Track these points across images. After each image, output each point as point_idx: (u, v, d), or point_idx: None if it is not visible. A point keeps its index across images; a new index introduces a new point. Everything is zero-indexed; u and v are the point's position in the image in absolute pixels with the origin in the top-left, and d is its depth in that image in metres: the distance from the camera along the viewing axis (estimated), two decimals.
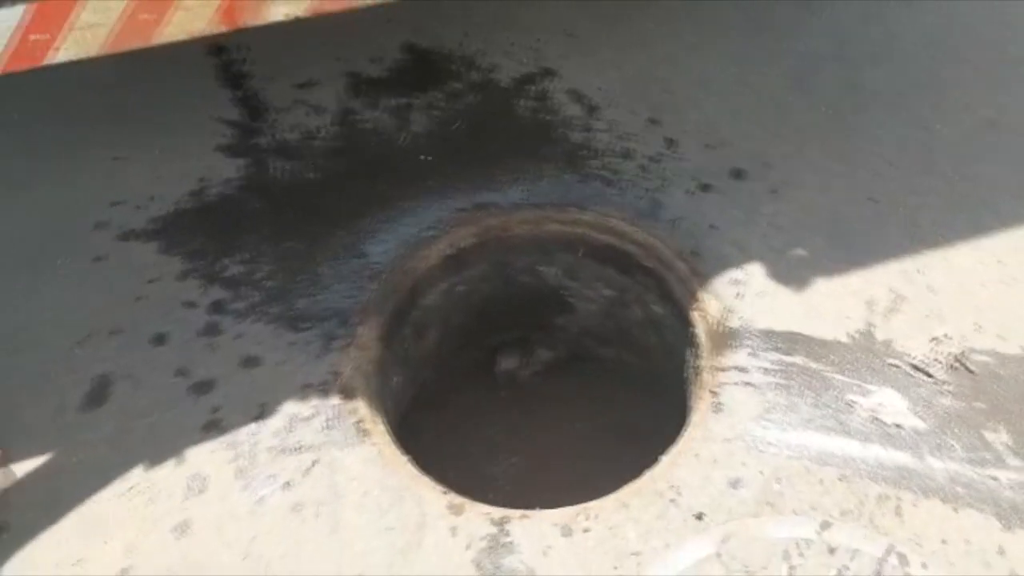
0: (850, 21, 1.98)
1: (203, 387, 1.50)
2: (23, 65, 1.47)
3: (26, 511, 1.38)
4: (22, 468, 1.42)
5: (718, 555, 1.25)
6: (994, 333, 1.46)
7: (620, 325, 1.86)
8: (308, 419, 1.46)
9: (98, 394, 1.50)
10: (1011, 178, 1.67)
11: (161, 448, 1.43)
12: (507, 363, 2.21)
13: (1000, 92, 1.82)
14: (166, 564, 1.31)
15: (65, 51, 1.48)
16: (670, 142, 1.78)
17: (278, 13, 1.54)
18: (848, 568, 1.22)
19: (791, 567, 1.22)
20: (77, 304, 1.62)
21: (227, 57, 2.06)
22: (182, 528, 1.34)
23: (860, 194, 1.66)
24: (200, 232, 1.72)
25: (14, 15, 1.40)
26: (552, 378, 2.17)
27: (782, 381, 1.44)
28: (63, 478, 1.41)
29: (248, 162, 1.84)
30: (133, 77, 1.99)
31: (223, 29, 1.50)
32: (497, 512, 1.36)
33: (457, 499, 1.39)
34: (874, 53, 1.91)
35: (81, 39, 1.51)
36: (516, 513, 1.36)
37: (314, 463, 1.41)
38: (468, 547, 1.31)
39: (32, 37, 1.46)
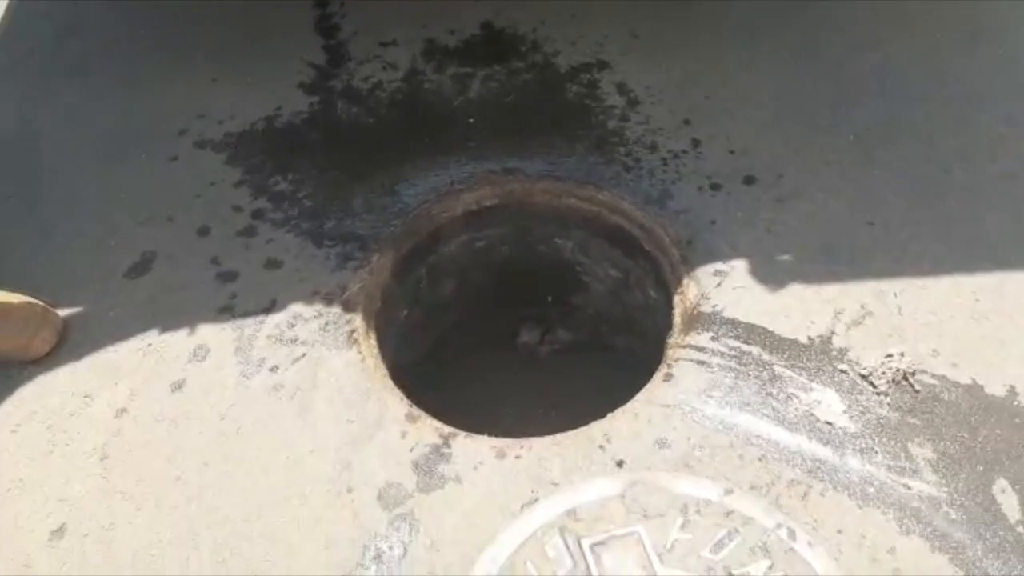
0: (899, 61, 2.04)
1: (228, 276, 1.72)
2: None
3: (58, 347, 1.62)
4: (65, 313, 1.67)
5: (622, 496, 1.36)
6: (949, 361, 1.51)
7: (626, 311, 1.98)
8: (308, 320, 1.65)
9: (142, 267, 1.74)
10: (1012, 227, 1.69)
11: (180, 319, 1.65)
12: (528, 336, 2.36)
13: None
14: (158, 411, 1.53)
15: None
16: (696, 142, 1.89)
17: None
18: (738, 532, 1.31)
19: (685, 520, 1.32)
20: (145, 192, 1.87)
21: (327, 10, 2.29)
22: (178, 385, 1.56)
23: (860, 216, 1.73)
24: (263, 151, 1.95)
25: None
26: (570, 358, 2.31)
27: (734, 365, 1.53)
28: (95, 327, 1.65)
29: (319, 100, 2.06)
30: (245, 16, 2.26)
31: None
32: (447, 429, 1.51)
33: (416, 411, 1.54)
34: (915, 95, 1.96)
35: None
36: (462, 433, 1.50)
37: (303, 355, 1.60)
38: (411, 450, 1.46)
39: None
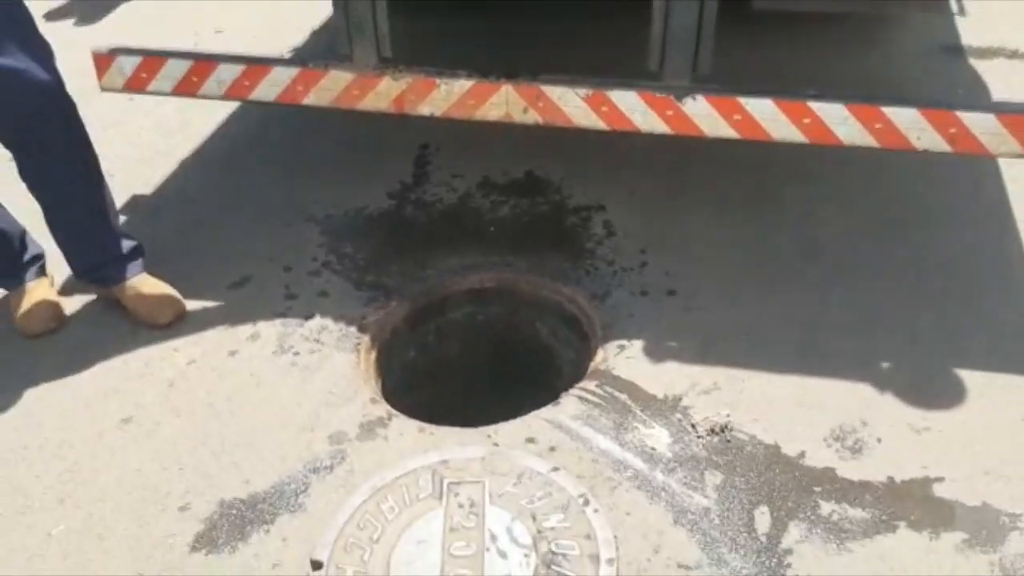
0: (834, 235, 2.58)
1: (291, 296, 2.48)
2: (287, 101, 2.63)
3: (175, 321, 2.41)
4: (189, 304, 2.47)
5: (483, 459, 1.92)
6: (763, 427, 1.98)
7: (562, 367, 2.53)
8: (331, 331, 2.36)
9: (240, 283, 2.54)
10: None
11: (251, 316, 2.41)
12: None
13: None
14: (215, 365, 2.26)
15: (311, 98, 2.61)
16: (643, 264, 2.51)
17: (424, 109, 2.55)
18: (550, 495, 1.83)
19: (518, 481, 1.86)
20: (262, 240, 2.70)
21: (426, 150, 3.14)
22: (233, 352, 2.30)
23: (742, 328, 2.26)
24: (346, 228, 2.76)
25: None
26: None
27: (603, 403, 2.08)
28: (199, 314, 2.44)
29: (396, 204, 2.87)
30: (374, 143, 3.14)
31: (393, 110, 2.55)
32: (393, 411, 2.13)
33: (378, 399, 2.18)
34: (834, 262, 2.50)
35: (320, 95, 2.62)
36: (403, 416, 2.12)
37: (319, 350, 2.30)
38: (363, 416, 2.10)
39: (298, 87, 2.62)
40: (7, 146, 2.26)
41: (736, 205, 2.75)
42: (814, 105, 2.25)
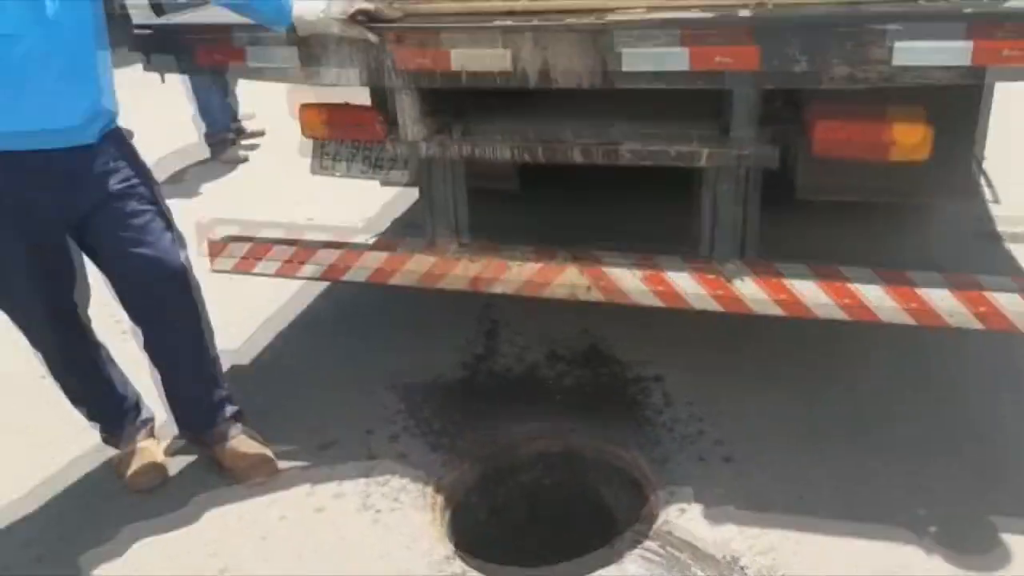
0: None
1: (373, 457, 2.70)
2: (376, 281, 2.94)
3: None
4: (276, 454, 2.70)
5: None
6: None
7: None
8: (407, 488, 2.55)
9: (330, 443, 2.77)
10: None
11: (343, 472, 2.62)
12: None
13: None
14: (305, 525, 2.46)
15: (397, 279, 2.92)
16: (700, 432, 2.68)
17: (497, 288, 2.84)
18: None
19: None
20: (350, 404, 2.95)
21: (497, 326, 3.41)
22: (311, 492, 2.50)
23: (793, 495, 2.39)
24: (422, 395, 3.00)
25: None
26: None
27: (663, 562, 2.21)
28: (293, 471, 2.67)
29: (469, 374, 3.12)
30: (443, 306, 3.41)
31: (470, 289, 2.85)
32: (468, 569, 2.29)
33: (460, 564, 2.33)
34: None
35: (405, 276, 2.92)
36: (476, 572, 2.27)
37: (395, 503, 2.49)
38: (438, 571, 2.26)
39: (386, 270, 2.94)
40: (134, 320, 2.58)
41: (788, 375, 2.92)
42: (854, 287, 2.48)
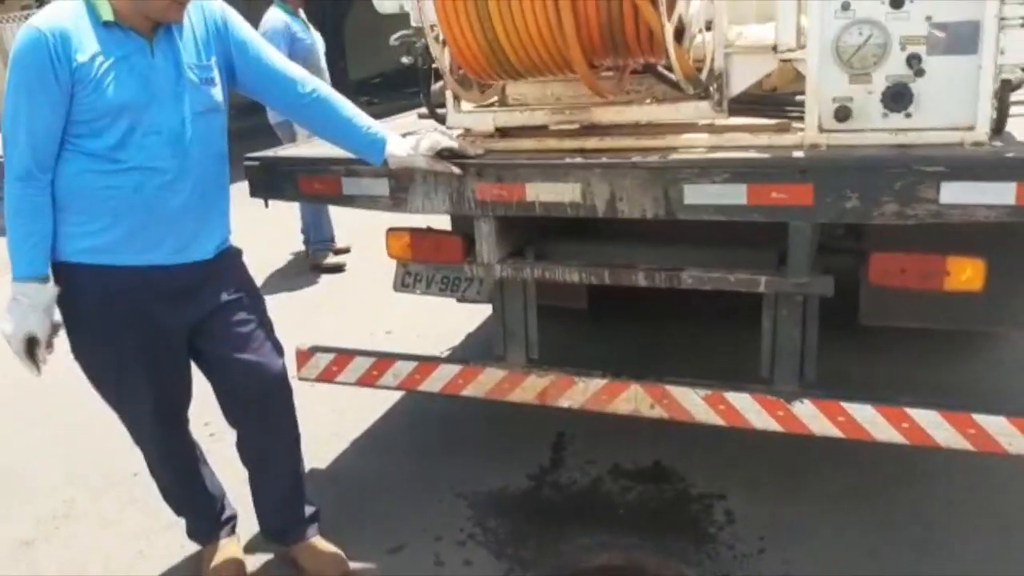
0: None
1: (440, 563, 2.80)
2: (449, 392, 3.11)
3: None
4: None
5: None
6: None
7: None
8: None
9: (396, 548, 2.89)
10: None
11: None
12: None
13: None
14: None
15: (468, 390, 3.09)
16: (761, 551, 2.72)
17: (564, 402, 2.98)
18: None
19: None
20: (412, 509, 3.08)
21: (563, 439, 3.53)
22: None
23: None
24: (489, 504, 3.11)
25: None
26: None
27: None
28: None
29: (535, 485, 3.23)
30: (512, 419, 3.56)
31: (537, 403, 3.00)
32: None
33: None
34: None
35: (476, 388, 3.09)
36: None
37: None
38: None
39: (459, 381, 3.11)
40: (232, 424, 2.77)
41: (851, 497, 2.96)
42: (910, 411, 2.55)
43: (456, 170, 2.65)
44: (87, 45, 2.23)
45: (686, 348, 3.58)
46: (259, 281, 5.55)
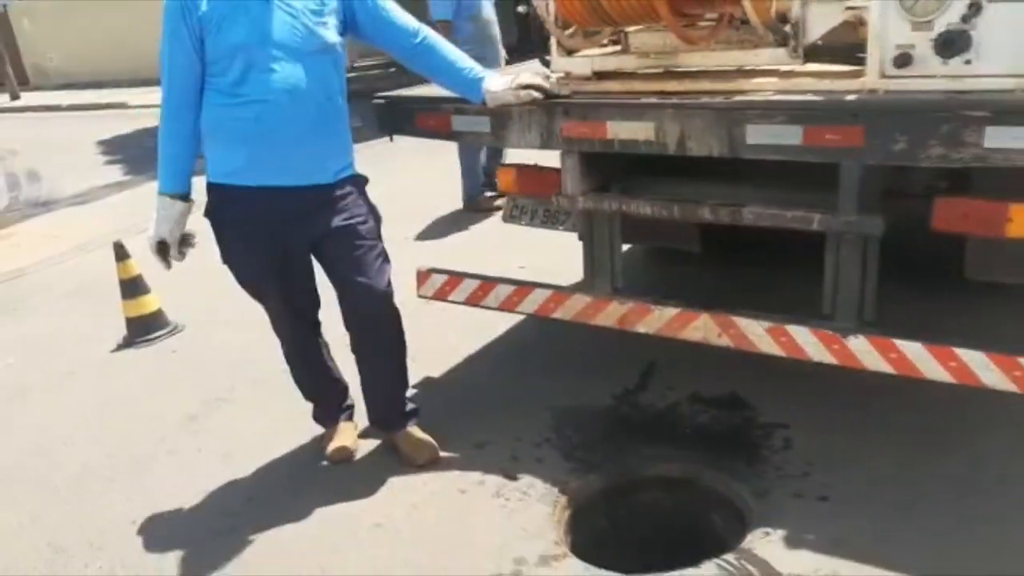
0: None
1: (515, 458, 3.18)
2: (542, 314, 3.45)
3: None
4: None
5: None
6: None
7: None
8: (536, 486, 3.00)
9: (481, 443, 3.30)
10: None
11: (481, 465, 3.14)
12: None
13: None
14: None
15: (559, 313, 3.42)
16: (805, 474, 2.90)
17: (641, 328, 3.24)
18: None
19: None
20: (503, 415, 3.46)
21: (653, 365, 3.80)
22: None
23: (874, 540, 2.56)
24: (570, 416, 3.45)
25: None
26: None
27: (735, 572, 2.48)
28: None
29: (615, 404, 3.52)
30: (612, 345, 3.86)
31: (617, 327, 3.28)
32: (568, 554, 2.69)
33: (563, 549, 2.75)
34: None
35: (565, 311, 3.42)
36: (574, 557, 2.67)
37: (523, 495, 2.94)
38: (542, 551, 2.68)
39: (550, 304, 3.44)
40: (348, 329, 3.18)
41: (907, 439, 3.05)
42: (958, 351, 2.64)
43: (536, 95, 2.93)
44: None
45: (788, 287, 3.67)
46: (424, 220, 6.23)
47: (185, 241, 2.96)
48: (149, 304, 4.78)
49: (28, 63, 22.22)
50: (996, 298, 3.64)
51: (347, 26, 2.93)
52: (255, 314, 3.29)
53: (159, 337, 4.75)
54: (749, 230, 3.01)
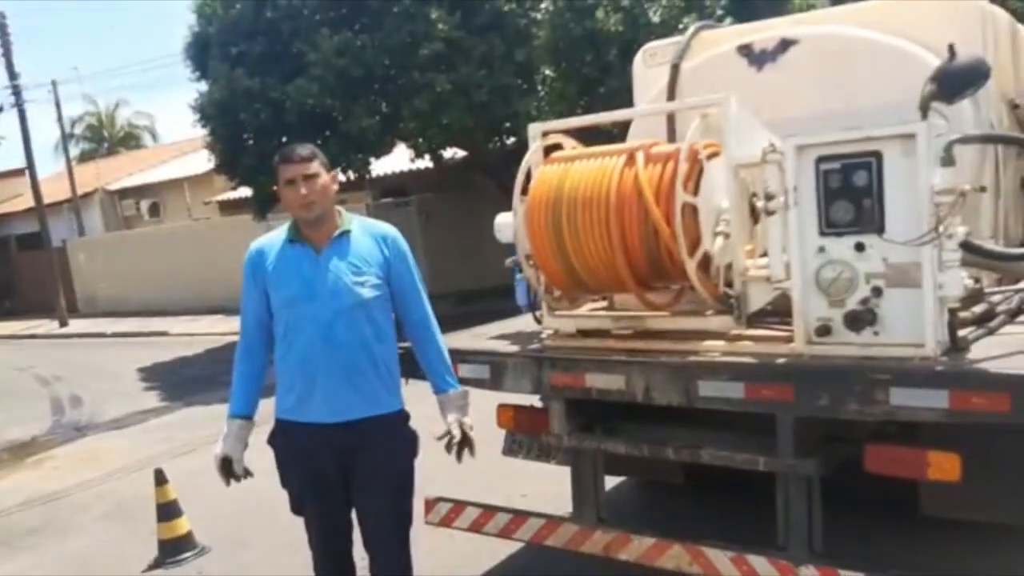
0: None
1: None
2: (535, 542, 3.85)
3: None
4: None
5: None
6: None
7: None
8: None
9: None
10: None
11: None
12: None
13: None
14: None
15: (550, 541, 3.81)
16: None
17: (623, 555, 3.61)
18: None
19: None
20: None
21: None
22: None
23: None
24: None
25: None
26: None
27: None
28: None
29: None
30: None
31: (602, 554, 3.65)
32: None
33: None
34: None
35: (556, 539, 3.82)
36: None
37: None
38: None
39: (543, 532, 3.85)
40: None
41: None
42: None
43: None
44: (274, 257, 3.29)
45: (768, 513, 3.98)
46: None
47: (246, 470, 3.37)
48: (181, 527, 5.18)
49: (80, 292, 23.83)
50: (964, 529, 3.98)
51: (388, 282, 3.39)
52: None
53: (187, 558, 5.11)
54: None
